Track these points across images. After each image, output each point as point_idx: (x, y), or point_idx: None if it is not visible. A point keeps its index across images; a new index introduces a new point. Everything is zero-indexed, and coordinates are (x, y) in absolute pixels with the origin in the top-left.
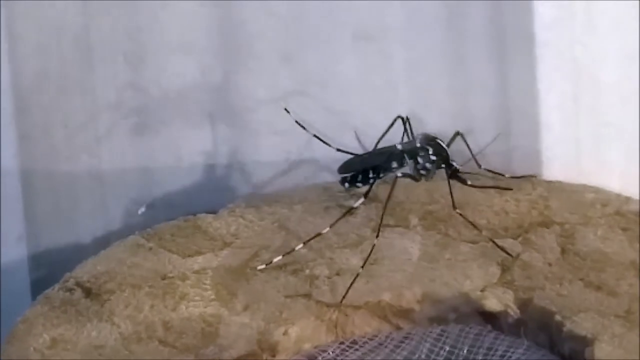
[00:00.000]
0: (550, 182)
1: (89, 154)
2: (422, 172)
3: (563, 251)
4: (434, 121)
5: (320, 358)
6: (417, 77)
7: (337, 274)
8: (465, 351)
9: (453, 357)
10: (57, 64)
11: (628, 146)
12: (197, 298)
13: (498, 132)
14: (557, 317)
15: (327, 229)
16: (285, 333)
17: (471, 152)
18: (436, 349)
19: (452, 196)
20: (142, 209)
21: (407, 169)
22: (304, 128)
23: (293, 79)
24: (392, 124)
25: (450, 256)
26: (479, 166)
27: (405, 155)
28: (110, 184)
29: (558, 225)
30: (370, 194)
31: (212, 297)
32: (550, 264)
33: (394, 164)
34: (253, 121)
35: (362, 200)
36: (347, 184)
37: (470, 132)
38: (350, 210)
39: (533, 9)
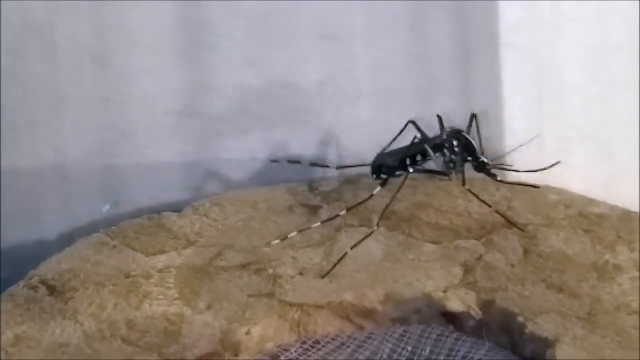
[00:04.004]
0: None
1: (54, 152)
2: (450, 165)
3: (526, 252)
4: (398, 122)
5: (282, 357)
6: (382, 78)
7: (300, 274)
8: (427, 352)
9: (415, 358)
10: (22, 61)
11: (592, 148)
12: (160, 297)
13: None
14: (519, 319)
15: (344, 211)
16: (247, 332)
17: (479, 136)
18: (398, 350)
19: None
20: (106, 207)
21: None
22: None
23: (258, 79)
24: (403, 128)
25: (413, 256)
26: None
27: (431, 149)
28: (75, 181)
29: (521, 226)
30: (334, 194)
31: (176, 295)
32: (512, 265)
33: (419, 157)
34: (218, 120)
35: (379, 188)
36: (374, 175)
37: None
38: (370, 197)
39: (498, 10)
